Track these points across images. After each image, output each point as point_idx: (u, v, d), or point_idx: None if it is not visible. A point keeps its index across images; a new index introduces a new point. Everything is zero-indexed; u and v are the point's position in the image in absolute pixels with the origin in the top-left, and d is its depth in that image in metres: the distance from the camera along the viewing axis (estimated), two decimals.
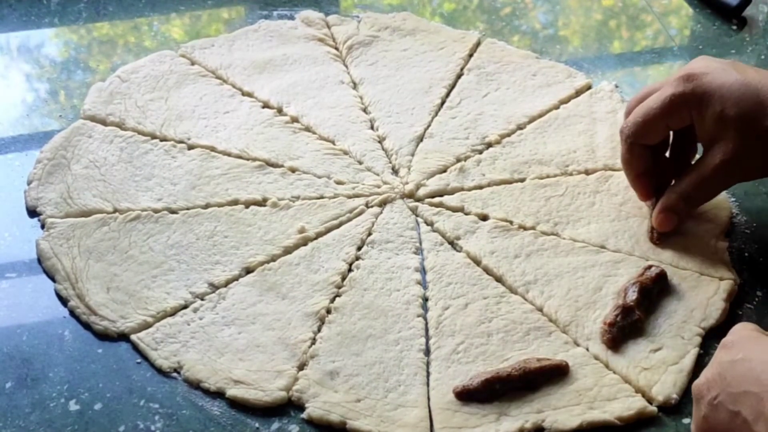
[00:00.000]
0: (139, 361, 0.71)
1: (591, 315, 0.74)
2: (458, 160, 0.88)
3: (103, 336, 0.73)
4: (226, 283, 0.76)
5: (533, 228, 0.82)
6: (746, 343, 0.60)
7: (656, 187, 0.79)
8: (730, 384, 0.58)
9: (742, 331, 0.62)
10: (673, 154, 0.81)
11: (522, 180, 0.86)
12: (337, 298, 0.76)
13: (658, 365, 0.71)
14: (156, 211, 0.82)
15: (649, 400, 0.69)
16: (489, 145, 0.89)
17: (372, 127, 0.91)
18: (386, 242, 0.80)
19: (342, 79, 0.96)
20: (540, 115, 0.92)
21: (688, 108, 0.73)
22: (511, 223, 0.82)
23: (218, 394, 0.69)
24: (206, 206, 0.82)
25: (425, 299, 0.76)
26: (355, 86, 0.96)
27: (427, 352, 0.72)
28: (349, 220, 0.82)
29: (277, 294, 0.76)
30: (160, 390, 0.69)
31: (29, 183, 0.84)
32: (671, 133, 0.79)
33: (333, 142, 0.89)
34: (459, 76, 0.97)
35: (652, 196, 0.80)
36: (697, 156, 0.80)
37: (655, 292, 0.75)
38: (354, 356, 0.71)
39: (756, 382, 0.57)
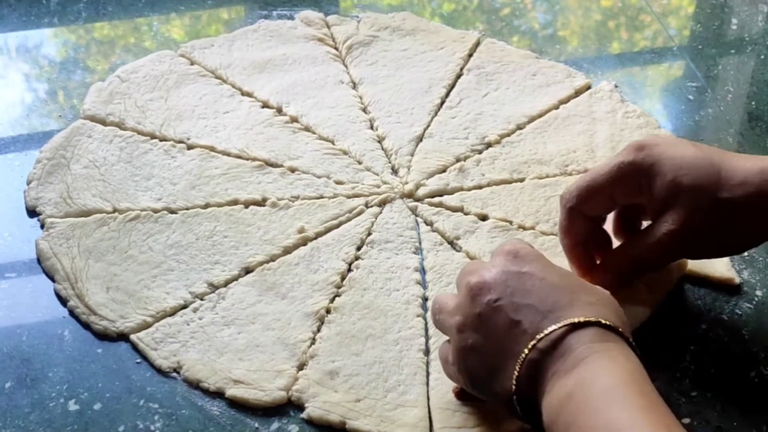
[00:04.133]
0: (138, 361, 0.71)
1: None
2: (458, 160, 0.88)
3: (103, 336, 0.73)
4: (226, 283, 0.76)
5: (533, 228, 0.82)
6: (534, 260, 0.61)
7: (592, 261, 0.73)
8: (514, 293, 0.59)
9: (528, 248, 0.63)
10: (616, 229, 0.75)
11: (521, 180, 0.86)
12: (337, 298, 0.76)
13: None
14: (156, 211, 0.82)
15: None
16: (488, 145, 0.89)
17: (372, 127, 0.91)
18: (386, 242, 0.80)
19: (342, 79, 0.96)
20: (540, 115, 0.93)
21: (637, 177, 0.68)
22: (510, 223, 0.82)
23: (218, 394, 0.69)
24: (206, 206, 0.82)
25: (425, 299, 0.76)
26: (354, 86, 0.96)
27: (427, 351, 0.72)
28: (349, 220, 0.82)
29: (276, 294, 0.76)
30: (160, 390, 0.69)
31: (29, 183, 0.84)
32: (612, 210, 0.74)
33: (332, 142, 0.89)
34: (459, 76, 0.97)
35: (589, 271, 0.73)
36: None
37: None
38: (354, 356, 0.71)
39: (540, 300, 0.59)
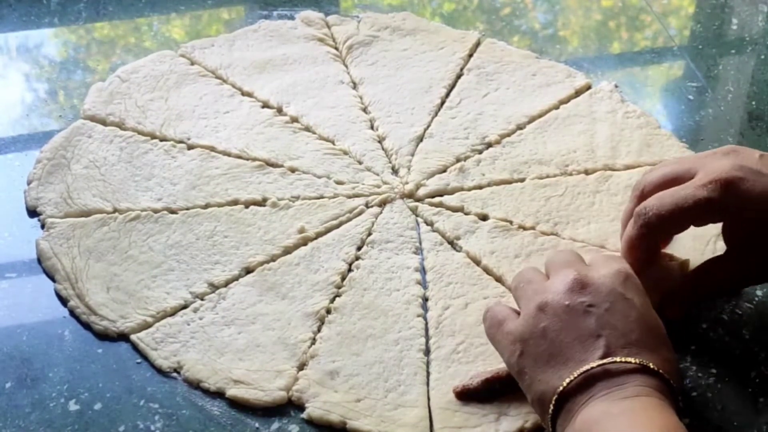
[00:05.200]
0: (139, 361, 0.71)
1: None
2: (458, 160, 0.88)
3: (103, 336, 0.73)
4: (226, 283, 0.76)
5: (533, 228, 0.82)
6: (639, 293, 0.63)
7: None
8: (609, 310, 0.61)
9: (637, 278, 0.64)
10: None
11: (522, 180, 0.86)
12: (337, 298, 0.76)
13: None
14: (156, 211, 0.82)
15: None
16: (489, 145, 0.89)
17: (372, 127, 0.91)
18: (386, 242, 0.80)
19: (342, 79, 0.96)
20: (540, 115, 0.93)
21: (721, 214, 0.69)
22: (510, 223, 0.82)
23: (218, 394, 0.69)
24: (206, 206, 0.82)
25: (425, 299, 0.76)
26: (355, 86, 0.96)
27: (427, 351, 0.72)
28: (349, 220, 0.82)
29: (277, 294, 0.76)
30: (160, 390, 0.69)
31: (29, 183, 0.84)
32: None
33: (333, 142, 0.89)
34: (459, 76, 0.97)
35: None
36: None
37: None
38: (354, 356, 0.71)
39: (629, 330, 0.60)
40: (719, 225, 0.80)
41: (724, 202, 0.67)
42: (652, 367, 0.59)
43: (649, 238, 0.69)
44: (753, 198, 0.67)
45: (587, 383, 0.58)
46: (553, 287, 0.63)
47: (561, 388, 0.59)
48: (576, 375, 0.59)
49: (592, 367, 0.59)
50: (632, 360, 0.59)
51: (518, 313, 0.65)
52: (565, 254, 0.67)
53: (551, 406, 0.59)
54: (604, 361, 0.59)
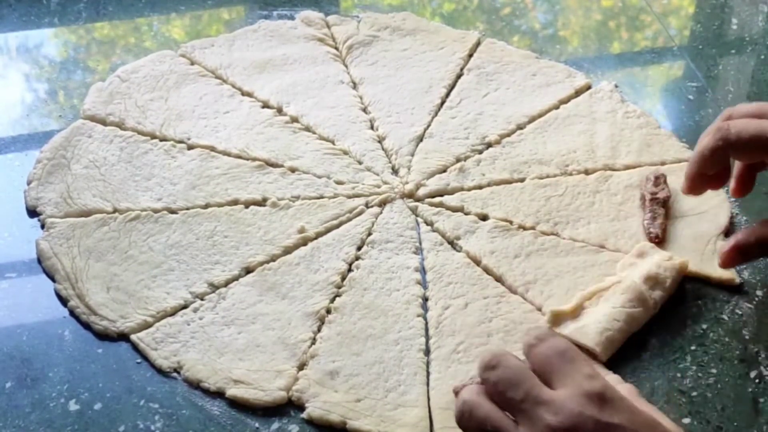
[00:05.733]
0: (139, 361, 0.71)
1: None
2: (458, 160, 0.88)
3: (103, 336, 0.73)
4: (226, 283, 0.76)
5: (533, 228, 0.82)
6: (622, 406, 0.56)
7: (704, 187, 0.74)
8: None
9: (612, 388, 0.57)
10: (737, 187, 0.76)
11: (522, 180, 0.86)
12: (337, 298, 0.76)
13: None
14: (156, 211, 0.82)
15: None
16: (489, 145, 0.89)
17: (372, 127, 0.91)
18: (386, 242, 0.80)
19: (342, 79, 0.96)
20: (540, 115, 0.93)
21: None
22: (510, 223, 0.82)
23: (218, 394, 0.69)
24: (206, 206, 0.82)
25: (425, 299, 0.76)
26: (355, 86, 0.96)
27: (427, 351, 0.72)
28: (349, 220, 0.82)
29: (277, 294, 0.76)
30: (160, 390, 0.69)
31: (29, 183, 0.84)
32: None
33: (333, 142, 0.89)
34: (459, 76, 0.97)
35: (697, 194, 0.75)
36: None
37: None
38: (354, 356, 0.71)
39: None
40: (719, 225, 0.80)
41: None
42: None
43: (722, 152, 0.69)
44: None
45: None
46: None
47: None
48: None
49: None
50: None
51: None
52: (514, 384, 0.57)
53: None
54: None
